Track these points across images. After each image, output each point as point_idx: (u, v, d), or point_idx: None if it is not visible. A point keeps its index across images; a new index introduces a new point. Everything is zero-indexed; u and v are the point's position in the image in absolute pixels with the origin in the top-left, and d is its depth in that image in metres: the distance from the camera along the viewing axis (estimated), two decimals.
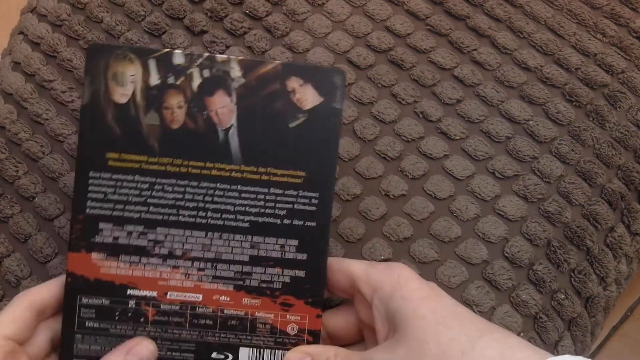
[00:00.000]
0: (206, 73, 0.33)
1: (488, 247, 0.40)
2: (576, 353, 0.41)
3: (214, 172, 0.33)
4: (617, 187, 0.43)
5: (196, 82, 0.33)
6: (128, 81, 0.32)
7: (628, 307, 0.61)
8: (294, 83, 0.33)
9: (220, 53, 0.46)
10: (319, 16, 0.47)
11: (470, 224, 0.41)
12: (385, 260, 0.40)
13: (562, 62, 0.46)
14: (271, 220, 0.33)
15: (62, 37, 0.47)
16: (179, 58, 0.33)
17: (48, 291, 0.32)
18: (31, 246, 0.41)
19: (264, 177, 0.33)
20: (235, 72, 0.33)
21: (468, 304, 0.39)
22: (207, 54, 0.33)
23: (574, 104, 0.44)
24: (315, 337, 0.33)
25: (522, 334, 0.39)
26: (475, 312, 0.39)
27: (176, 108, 0.33)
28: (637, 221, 0.44)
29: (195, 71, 0.33)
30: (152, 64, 0.33)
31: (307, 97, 0.33)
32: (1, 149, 0.44)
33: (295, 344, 0.33)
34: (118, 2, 0.48)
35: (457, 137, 0.43)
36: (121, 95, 0.32)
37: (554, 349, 0.40)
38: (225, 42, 0.46)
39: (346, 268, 0.33)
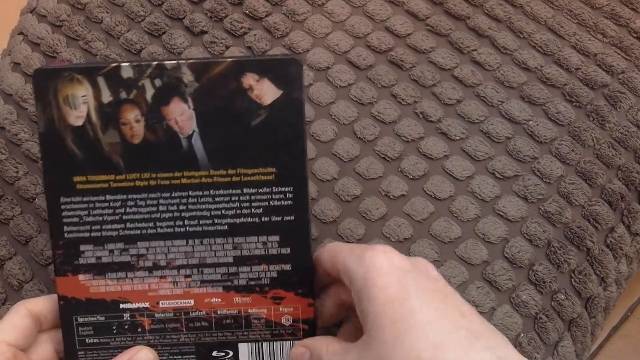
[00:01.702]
0: (158, 82, 0.32)
1: (488, 248, 0.40)
2: (576, 354, 0.41)
3: (184, 180, 0.32)
4: (617, 188, 0.43)
5: (149, 93, 0.32)
6: (80, 102, 0.32)
7: (628, 307, 0.61)
8: (249, 79, 0.32)
9: (220, 53, 0.46)
10: (319, 16, 0.47)
11: (470, 225, 0.41)
12: None
13: (562, 62, 0.46)
14: (249, 219, 0.33)
15: (62, 37, 0.47)
16: (127, 71, 0.32)
17: (45, 302, 0.33)
18: (32, 248, 0.41)
19: (235, 179, 0.32)
20: (188, 76, 0.32)
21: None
22: (155, 63, 0.32)
23: (574, 104, 0.44)
24: (310, 325, 0.34)
25: (522, 335, 0.39)
26: None
27: (134, 122, 0.32)
28: (637, 221, 0.44)
29: (146, 82, 0.32)
30: (101, 82, 0.32)
31: (265, 92, 0.32)
32: (1, 149, 0.44)
33: (292, 334, 0.34)
34: (118, 2, 0.48)
35: (457, 138, 0.43)
36: (76, 117, 0.32)
37: (554, 350, 0.40)
38: (225, 42, 0.46)
39: (333, 256, 0.31)
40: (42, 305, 0.33)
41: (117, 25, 0.47)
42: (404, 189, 0.42)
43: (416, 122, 0.44)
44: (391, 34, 0.47)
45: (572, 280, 0.41)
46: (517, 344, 0.39)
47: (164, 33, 0.47)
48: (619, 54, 0.46)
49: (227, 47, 0.46)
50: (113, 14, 0.48)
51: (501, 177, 0.42)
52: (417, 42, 0.46)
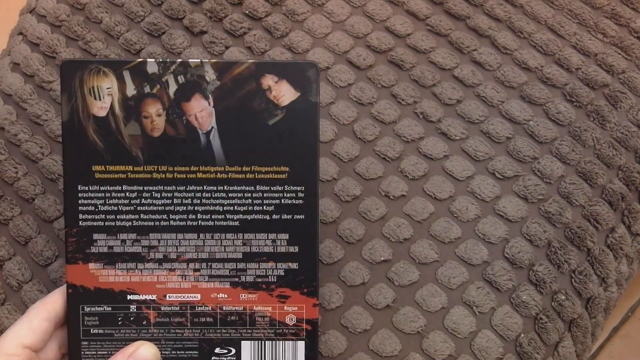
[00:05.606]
0: (181, 79, 0.33)
1: (488, 248, 0.40)
2: (577, 354, 0.41)
3: (199, 175, 0.33)
4: (617, 188, 0.43)
5: (172, 88, 0.33)
6: (105, 94, 0.33)
7: (629, 307, 0.61)
8: (268, 81, 0.33)
9: (219, 53, 0.46)
10: (319, 16, 0.47)
11: (471, 225, 0.41)
12: (384, 261, 0.40)
13: (562, 62, 0.45)
14: (260, 216, 0.34)
15: (62, 37, 0.47)
16: (152, 67, 0.33)
17: (62, 299, 0.33)
18: (31, 249, 0.41)
19: (249, 176, 0.34)
20: (210, 75, 0.33)
21: (468, 304, 0.39)
22: (179, 60, 0.33)
23: (575, 104, 0.44)
24: (313, 326, 0.34)
25: (522, 335, 0.39)
26: (476, 313, 0.39)
27: (155, 116, 0.33)
28: (638, 222, 0.44)
29: (170, 78, 0.33)
30: (126, 75, 0.33)
31: (283, 93, 0.33)
32: (1, 150, 0.44)
33: (295, 334, 0.34)
34: (117, 2, 0.48)
35: (457, 138, 0.43)
36: (99, 108, 0.33)
37: (555, 350, 0.40)
38: (225, 42, 0.46)
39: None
40: (61, 301, 0.33)
41: (116, 26, 0.47)
42: (404, 189, 0.42)
43: (416, 122, 0.44)
44: (391, 34, 0.47)
45: (573, 280, 0.41)
46: (518, 345, 0.38)
47: (163, 33, 0.47)
48: (619, 53, 0.46)
49: (227, 47, 0.46)
50: (112, 14, 0.48)
51: (501, 177, 0.42)
52: (417, 42, 0.46)
